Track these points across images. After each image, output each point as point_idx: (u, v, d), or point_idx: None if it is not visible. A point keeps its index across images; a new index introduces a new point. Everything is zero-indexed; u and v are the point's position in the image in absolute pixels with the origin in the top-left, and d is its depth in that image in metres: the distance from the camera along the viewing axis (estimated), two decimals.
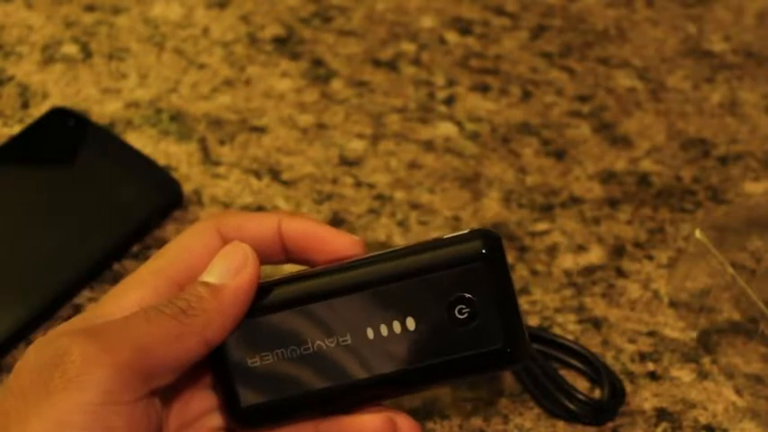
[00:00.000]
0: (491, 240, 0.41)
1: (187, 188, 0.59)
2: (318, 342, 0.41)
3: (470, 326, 0.40)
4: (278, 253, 0.43)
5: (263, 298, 0.41)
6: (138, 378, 0.37)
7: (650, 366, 0.54)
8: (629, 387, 0.53)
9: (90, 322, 0.39)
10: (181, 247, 0.42)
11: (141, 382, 0.37)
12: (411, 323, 0.41)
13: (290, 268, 0.44)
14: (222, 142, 0.62)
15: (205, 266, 0.41)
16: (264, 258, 0.43)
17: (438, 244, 0.41)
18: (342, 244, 0.42)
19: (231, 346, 0.41)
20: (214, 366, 0.42)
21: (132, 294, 0.40)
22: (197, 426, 0.42)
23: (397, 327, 0.41)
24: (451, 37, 0.71)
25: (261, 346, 0.41)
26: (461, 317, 0.40)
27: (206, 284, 0.40)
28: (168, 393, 0.42)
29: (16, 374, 0.37)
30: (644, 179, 0.63)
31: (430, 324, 0.40)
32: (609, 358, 0.54)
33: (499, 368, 0.42)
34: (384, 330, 0.41)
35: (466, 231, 0.41)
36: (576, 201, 0.61)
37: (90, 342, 0.37)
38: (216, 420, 0.43)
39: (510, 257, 0.58)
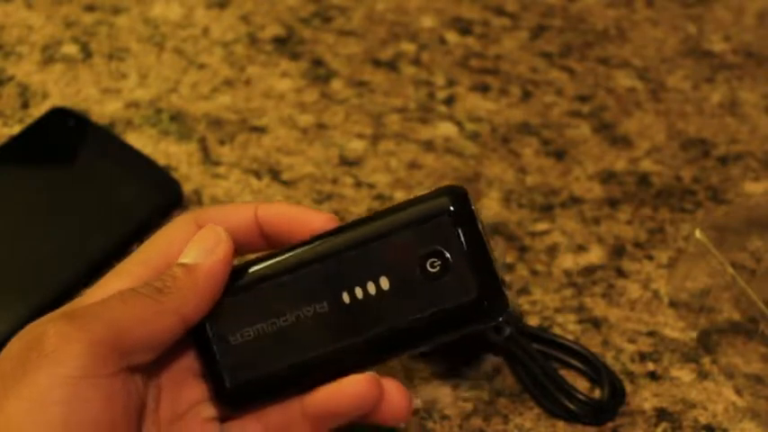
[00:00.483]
0: (457, 194, 0.41)
1: (187, 188, 0.59)
2: (296, 312, 0.41)
3: (444, 279, 0.40)
4: (258, 240, 0.44)
5: (240, 277, 0.42)
6: (113, 353, 0.38)
7: (650, 366, 0.54)
8: (629, 387, 0.53)
9: (70, 307, 0.40)
10: (161, 239, 0.43)
11: (117, 357, 0.38)
12: (385, 282, 0.41)
13: None
14: (222, 142, 0.62)
15: None
16: (246, 247, 0.44)
17: (405, 204, 0.42)
18: (317, 221, 0.43)
19: (212, 326, 0.42)
20: (199, 350, 0.42)
21: (114, 284, 0.41)
22: (190, 415, 0.43)
23: (371, 288, 0.41)
24: (451, 37, 0.71)
25: (241, 323, 0.42)
26: (434, 270, 0.40)
27: (181, 265, 0.41)
28: (158, 384, 0.42)
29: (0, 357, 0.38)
30: (644, 179, 0.63)
31: (403, 281, 0.41)
32: (609, 358, 0.54)
33: (478, 321, 0.41)
34: (359, 293, 0.41)
35: (432, 191, 0.42)
36: (575, 201, 0.61)
37: (65, 322, 0.38)
38: (209, 410, 0.43)
39: (510, 257, 0.58)
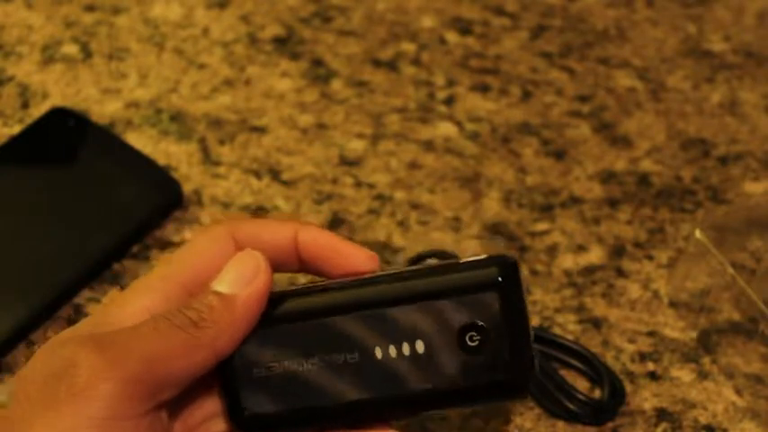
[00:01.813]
0: (507, 267, 0.40)
1: (187, 188, 0.59)
2: (326, 357, 0.41)
3: (479, 355, 0.40)
4: (292, 262, 0.43)
5: (274, 308, 0.41)
6: (145, 391, 0.37)
7: (650, 366, 0.54)
8: (629, 387, 0.53)
9: (97, 329, 0.39)
10: (193, 253, 0.41)
11: (148, 396, 0.37)
12: (420, 346, 0.40)
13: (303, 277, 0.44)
14: (222, 142, 0.62)
15: (217, 273, 0.40)
16: (278, 267, 0.42)
17: (454, 267, 0.41)
18: (357, 258, 0.42)
19: (239, 354, 0.41)
20: (220, 373, 0.42)
21: (141, 300, 0.40)
22: (202, 429, 0.42)
23: (406, 349, 0.40)
24: (451, 37, 0.71)
25: (268, 356, 0.41)
26: (472, 344, 0.40)
27: (217, 294, 0.40)
28: (177, 402, 0.41)
29: (21, 381, 0.37)
30: (644, 179, 0.63)
31: (439, 349, 0.40)
32: (609, 358, 0.54)
33: (501, 399, 0.41)
34: (393, 351, 0.40)
35: (483, 257, 0.41)
36: (576, 201, 0.61)
37: (97, 353, 0.36)
38: (219, 425, 0.42)
39: None
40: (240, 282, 0.40)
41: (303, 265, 0.43)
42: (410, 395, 0.40)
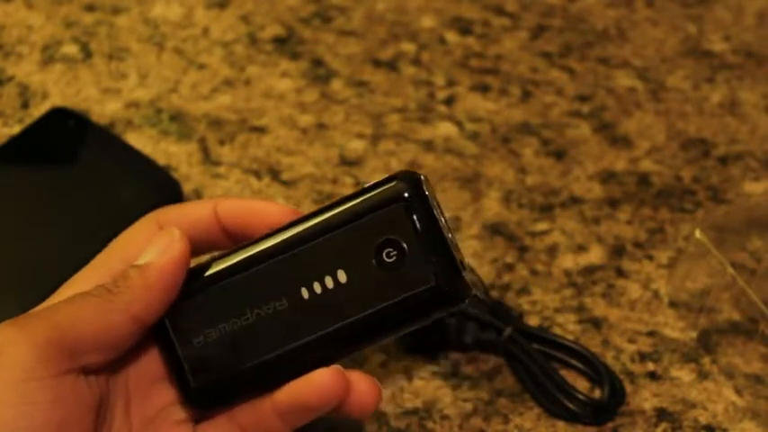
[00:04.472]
0: (409, 180, 0.40)
1: (187, 188, 0.59)
2: (256, 310, 0.41)
3: (401, 269, 0.40)
4: (220, 236, 0.44)
5: (199, 277, 0.42)
6: (60, 354, 0.38)
7: (650, 366, 0.54)
8: (629, 387, 0.53)
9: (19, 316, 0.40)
10: (121, 243, 0.43)
11: (65, 358, 0.38)
12: (342, 276, 0.40)
13: None
14: (222, 142, 0.62)
15: None
16: (208, 244, 0.44)
17: (359, 192, 0.41)
18: (276, 214, 0.43)
19: (174, 327, 0.42)
20: (163, 351, 0.42)
21: (71, 291, 0.41)
22: (161, 418, 0.43)
23: (329, 282, 0.41)
24: (451, 37, 0.71)
25: (202, 323, 0.42)
26: (390, 260, 0.40)
27: (134, 266, 0.41)
28: (127, 385, 0.42)
29: None
30: (644, 179, 0.63)
31: (361, 273, 0.40)
32: (609, 358, 0.54)
33: (439, 308, 0.41)
34: (317, 287, 0.41)
35: (385, 177, 0.41)
36: (576, 201, 0.61)
37: (10, 325, 0.38)
38: (181, 413, 0.43)
39: (510, 257, 0.58)
40: (156, 253, 0.41)
41: (231, 237, 0.44)
42: (346, 325, 0.40)
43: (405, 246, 0.40)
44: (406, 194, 0.40)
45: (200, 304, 0.42)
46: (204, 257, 0.44)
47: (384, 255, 0.40)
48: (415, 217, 0.40)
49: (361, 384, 0.41)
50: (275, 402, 0.41)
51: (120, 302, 0.40)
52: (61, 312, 0.39)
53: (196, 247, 0.43)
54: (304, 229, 0.41)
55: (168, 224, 0.43)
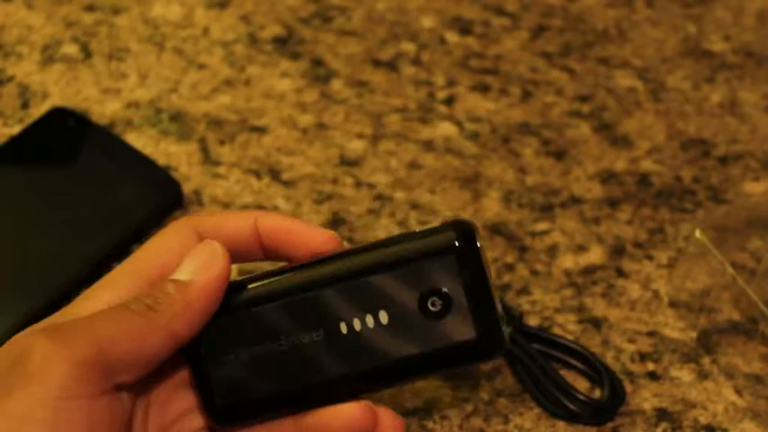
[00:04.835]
0: (464, 231, 0.40)
1: (187, 188, 0.59)
2: (292, 338, 0.41)
3: (443, 319, 0.40)
4: (256, 250, 0.43)
5: (237, 295, 0.42)
6: (98, 373, 0.37)
7: (650, 366, 0.54)
8: (629, 387, 0.53)
9: (56, 321, 0.39)
10: (155, 247, 0.42)
11: (102, 377, 0.37)
12: (384, 317, 0.40)
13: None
14: (222, 142, 0.62)
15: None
16: (243, 256, 0.43)
17: (411, 236, 0.41)
18: (317, 238, 0.42)
19: (206, 342, 0.41)
20: (191, 364, 0.42)
21: (103, 295, 0.40)
22: (178, 426, 0.42)
23: (370, 321, 0.40)
24: (451, 37, 0.71)
25: (235, 342, 0.41)
26: (434, 309, 0.40)
27: (174, 281, 0.40)
28: (147, 394, 0.42)
29: None
30: (644, 179, 0.63)
31: (403, 317, 0.40)
32: (609, 358, 0.54)
33: (474, 360, 0.41)
34: (357, 325, 0.41)
35: (439, 224, 0.41)
36: (576, 201, 0.61)
37: (49, 339, 0.37)
38: (197, 420, 0.43)
39: (510, 257, 0.58)
40: (197, 269, 0.40)
41: (267, 253, 0.43)
42: (380, 366, 0.40)
43: (451, 297, 0.40)
44: (458, 244, 0.40)
45: (234, 323, 0.41)
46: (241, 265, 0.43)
47: (429, 303, 0.40)
48: (464, 270, 0.40)
49: (386, 422, 0.41)
50: (300, 426, 0.41)
51: (160, 320, 0.39)
52: (101, 329, 0.38)
53: (231, 258, 0.42)
54: (351, 264, 0.41)
55: (206, 234, 0.42)
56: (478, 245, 0.40)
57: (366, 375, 0.41)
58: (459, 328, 0.40)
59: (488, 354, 0.41)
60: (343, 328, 0.41)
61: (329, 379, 0.41)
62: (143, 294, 0.40)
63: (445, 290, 0.40)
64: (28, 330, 0.39)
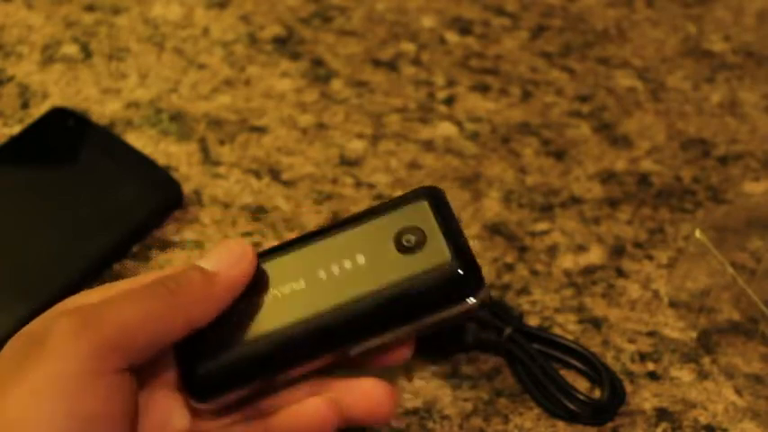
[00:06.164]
0: (431, 188, 0.43)
1: (187, 188, 0.59)
2: (273, 291, 0.42)
3: (420, 251, 0.41)
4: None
5: None
6: (116, 353, 0.38)
7: (650, 366, 0.54)
8: (629, 387, 0.53)
9: (77, 302, 0.40)
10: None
11: (120, 358, 0.38)
12: (361, 258, 0.42)
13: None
14: (222, 142, 0.62)
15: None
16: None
17: (386, 202, 0.43)
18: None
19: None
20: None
21: (124, 283, 0.41)
22: (160, 426, 0.42)
23: (347, 264, 0.42)
24: (451, 37, 0.71)
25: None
26: (409, 245, 0.42)
27: (200, 270, 0.41)
28: (140, 392, 0.42)
29: (6, 347, 0.39)
30: (644, 179, 0.63)
31: (379, 255, 0.42)
32: (609, 358, 0.54)
33: (455, 293, 0.41)
34: (336, 269, 0.42)
35: (411, 190, 0.43)
36: (576, 201, 0.61)
37: (71, 318, 0.38)
38: (181, 422, 0.42)
39: (510, 257, 0.58)
40: (224, 263, 0.41)
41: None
42: (361, 304, 0.41)
43: (425, 232, 0.41)
44: (429, 195, 0.42)
45: None
46: None
47: (404, 240, 0.42)
48: (436, 211, 0.42)
49: (376, 390, 0.41)
50: (268, 428, 0.41)
51: (180, 308, 0.39)
52: (124, 310, 0.38)
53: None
54: (327, 227, 0.43)
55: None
56: (448, 202, 0.42)
57: (346, 314, 0.41)
58: (436, 255, 0.41)
59: (468, 284, 0.41)
60: (322, 273, 0.42)
61: (310, 324, 0.41)
62: (167, 277, 0.40)
63: (419, 226, 0.42)
64: (46, 314, 0.40)
